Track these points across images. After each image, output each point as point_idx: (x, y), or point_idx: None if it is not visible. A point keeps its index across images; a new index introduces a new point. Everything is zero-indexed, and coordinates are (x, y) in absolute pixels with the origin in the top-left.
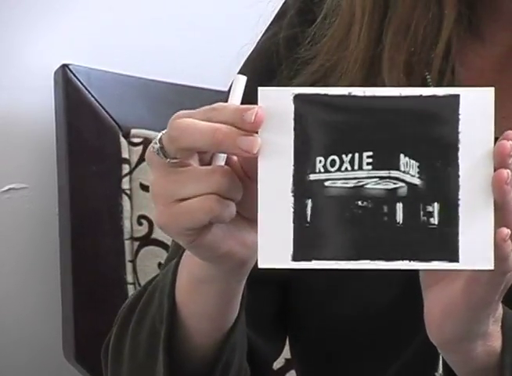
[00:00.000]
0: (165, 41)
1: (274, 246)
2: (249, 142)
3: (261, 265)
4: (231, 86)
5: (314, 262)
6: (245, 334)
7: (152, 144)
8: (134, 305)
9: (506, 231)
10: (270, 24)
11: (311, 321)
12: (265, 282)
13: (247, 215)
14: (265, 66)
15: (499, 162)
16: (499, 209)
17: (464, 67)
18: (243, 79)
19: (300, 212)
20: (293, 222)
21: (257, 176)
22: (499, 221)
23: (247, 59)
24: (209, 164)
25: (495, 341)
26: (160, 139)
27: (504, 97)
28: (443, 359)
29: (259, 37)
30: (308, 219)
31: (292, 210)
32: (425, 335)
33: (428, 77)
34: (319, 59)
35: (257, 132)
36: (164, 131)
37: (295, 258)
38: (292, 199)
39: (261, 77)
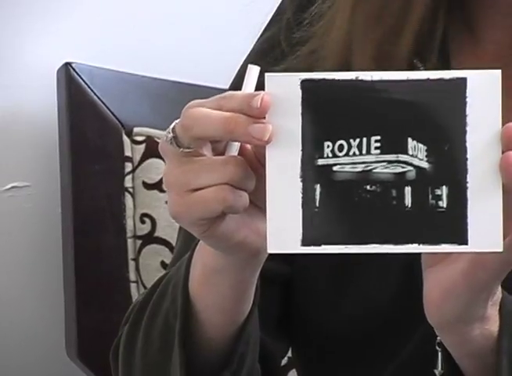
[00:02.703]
0: (168, 39)
1: (283, 231)
2: (260, 130)
3: (269, 251)
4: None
5: (323, 246)
6: (258, 328)
7: (165, 133)
8: (146, 302)
9: None
10: (267, 25)
11: (311, 321)
12: (269, 281)
13: (261, 205)
14: (264, 67)
15: (507, 145)
16: (507, 192)
17: (461, 66)
18: (256, 69)
19: (308, 197)
20: (302, 207)
21: (266, 162)
22: (508, 204)
23: (246, 59)
24: (222, 153)
25: (493, 325)
26: (174, 129)
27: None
28: (442, 357)
29: (257, 38)
30: (317, 204)
31: (301, 195)
32: (424, 333)
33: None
34: (311, 43)
35: (264, 118)
36: (177, 121)
37: (304, 243)
38: (300, 184)
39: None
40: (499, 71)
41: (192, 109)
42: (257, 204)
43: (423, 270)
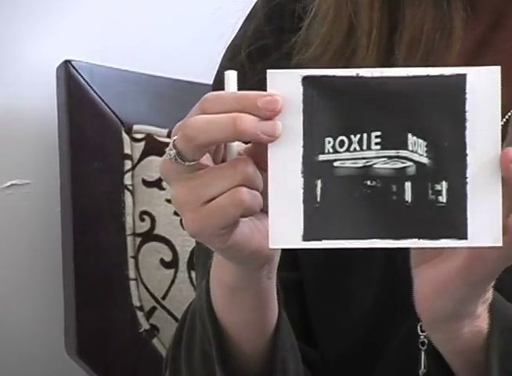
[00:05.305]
0: (167, 37)
1: (284, 226)
2: (271, 127)
3: (271, 246)
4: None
5: (324, 241)
6: (292, 334)
7: (166, 154)
8: (179, 338)
9: None
10: (238, 31)
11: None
12: (287, 288)
13: (267, 209)
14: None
15: (509, 142)
16: (507, 186)
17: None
18: (233, 74)
19: (310, 193)
20: (304, 203)
21: (268, 158)
22: (507, 198)
23: (220, 64)
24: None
25: (482, 322)
26: (174, 145)
27: None
28: (425, 357)
29: (230, 40)
30: (318, 199)
31: (302, 191)
32: (406, 332)
33: None
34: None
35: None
36: (174, 138)
37: (306, 238)
38: (302, 180)
39: None
40: (499, 68)
41: (189, 121)
42: (265, 209)
43: (413, 267)
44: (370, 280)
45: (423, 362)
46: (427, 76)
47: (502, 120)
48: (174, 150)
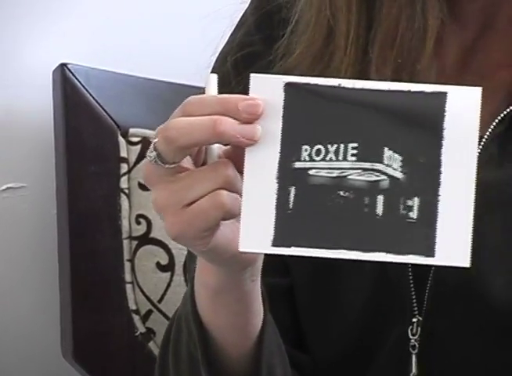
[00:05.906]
0: (164, 40)
1: (255, 231)
2: (251, 130)
3: (241, 249)
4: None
5: (293, 248)
6: (279, 337)
7: (147, 156)
8: (166, 341)
9: None
10: (228, 37)
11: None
12: (277, 295)
13: None
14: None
15: None
16: None
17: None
18: (214, 77)
19: (283, 199)
20: (276, 209)
21: (244, 161)
22: None
23: (212, 70)
24: (201, 166)
25: None
26: (155, 147)
27: None
28: (416, 359)
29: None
30: (291, 206)
31: (275, 196)
32: (397, 336)
33: None
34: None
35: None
36: (155, 140)
37: (275, 244)
38: (276, 185)
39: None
40: (480, 88)
41: (170, 122)
42: None
43: None
44: (361, 284)
45: (414, 365)
46: (408, 91)
47: (494, 121)
48: (154, 152)
